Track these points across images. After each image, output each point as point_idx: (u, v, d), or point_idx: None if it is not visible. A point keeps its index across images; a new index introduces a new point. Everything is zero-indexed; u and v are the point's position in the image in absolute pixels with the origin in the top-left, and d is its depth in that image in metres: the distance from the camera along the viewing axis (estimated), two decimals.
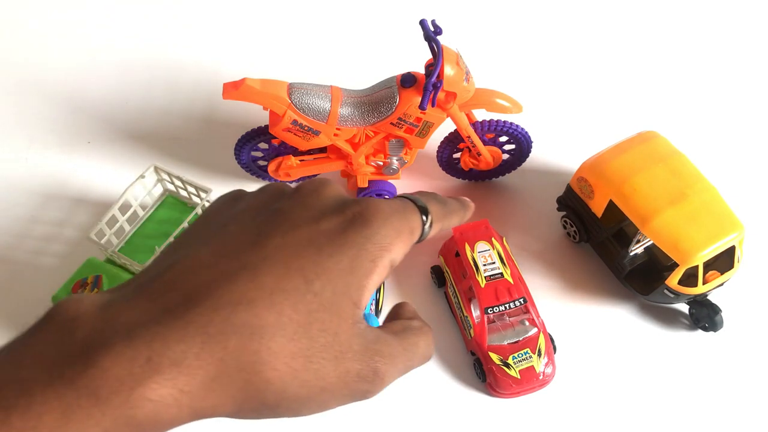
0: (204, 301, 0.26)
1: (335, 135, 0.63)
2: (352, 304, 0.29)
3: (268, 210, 0.30)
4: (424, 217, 0.33)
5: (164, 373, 0.24)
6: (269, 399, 0.27)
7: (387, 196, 0.69)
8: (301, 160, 0.67)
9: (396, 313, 0.34)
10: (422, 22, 0.58)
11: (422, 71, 0.61)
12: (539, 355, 0.58)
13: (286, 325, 0.27)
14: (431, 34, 0.58)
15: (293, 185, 0.33)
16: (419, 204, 0.33)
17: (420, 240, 0.33)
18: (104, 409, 0.23)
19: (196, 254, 0.28)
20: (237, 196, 0.33)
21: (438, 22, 0.59)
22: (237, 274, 0.27)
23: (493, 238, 0.62)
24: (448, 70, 0.58)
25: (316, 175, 0.71)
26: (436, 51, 0.57)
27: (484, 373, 0.59)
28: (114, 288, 0.29)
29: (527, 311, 0.59)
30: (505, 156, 0.70)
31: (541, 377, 0.58)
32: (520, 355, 0.58)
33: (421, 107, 0.59)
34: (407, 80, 0.60)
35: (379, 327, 0.31)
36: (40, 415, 0.23)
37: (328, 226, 0.29)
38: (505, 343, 0.59)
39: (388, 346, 0.30)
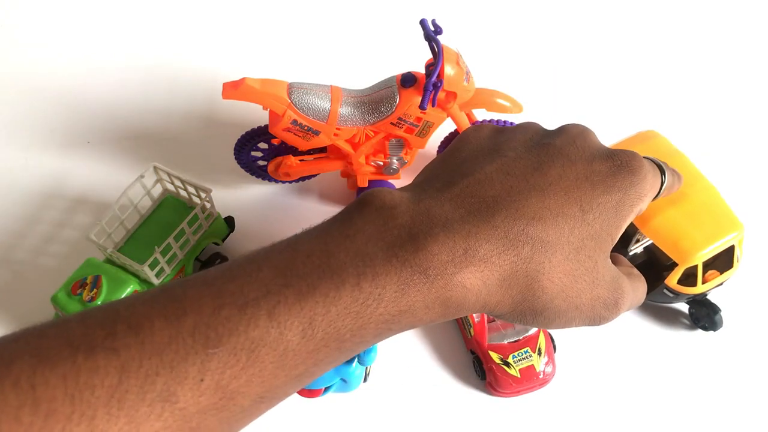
0: (505, 210, 0.30)
1: (335, 135, 0.63)
2: (610, 239, 0.33)
3: (540, 144, 0.34)
4: (663, 178, 0.38)
5: (476, 265, 0.28)
6: (538, 305, 0.30)
7: None
8: (300, 160, 0.67)
9: (616, 260, 0.38)
10: (422, 22, 0.58)
11: (422, 71, 0.61)
12: (539, 354, 0.58)
13: (564, 245, 0.30)
14: (431, 33, 0.58)
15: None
16: (663, 170, 0.38)
17: (654, 198, 0.38)
18: (430, 287, 0.27)
19: (484, 168, 0.32)
20: (494, 128, 0.37)
21: (438, 22, 0.59)
22: (529, 193, 0.31)
23: None
24: (449, 70, 0.58)
25: (315, 175, 0.71)
26: (436, 51, 0.57)
27: (483, 372, 0.59)
28: (408, 187, 0.33)
29: None
30: None
31: (541, 376, 0.58)
32: (520, 354, 0.58)
33: (422, 107, 0.59)
34: (407, 80, 0.60)
35: (617, 269, 0.35)
36: (384, 285, 0.26)
37: (600, 168, 0.33)
38: (505, 341, 0.59)
39: (625, 284, 0.34)
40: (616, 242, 0.33)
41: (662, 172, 0.37)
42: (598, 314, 0.33)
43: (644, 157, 0.37)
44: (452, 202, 0.30)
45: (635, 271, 0.38)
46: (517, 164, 0.32)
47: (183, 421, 0.23)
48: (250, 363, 0.25)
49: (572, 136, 0.35)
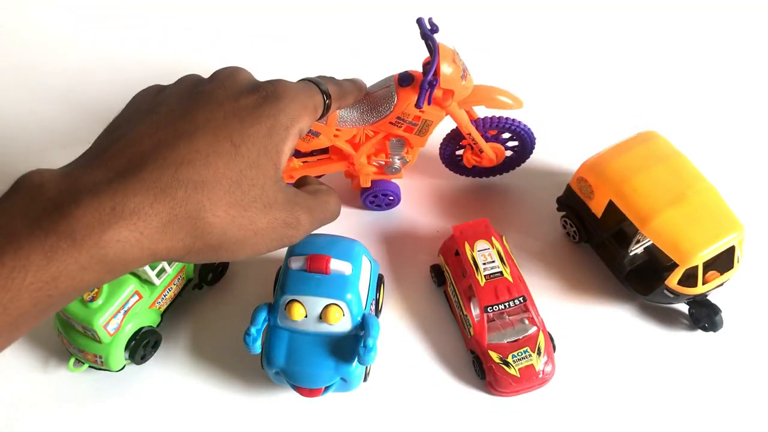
0: (152, 163, 0.31)
1: (335, 136, 0.63)
2: (272, 164, 0.35)
3: (191, 93, 0.36)
4: (326, 96, 0.41)
5: (127, 219, 0.29)
6: (212, 241, 0.32)
7: (392, 197, 0.69)
8: (304, 162, 0.67)
9: (304, 182, 0.41)
10: (419, 21, 0.58)
11: (420, 70, 0.61)
12: (539, 353, 0.58)
13: (222, 180, 0.32)
14: (427, 32, 0.58)
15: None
16: (321, 86, 0.41)
17: (322, 116, 0.41)
18: (81, 248, 0.28)
19: (135, 129, 0.34)
20: (159, 88, 0.39)
21: (435, 21, 0.59)
22: (176, 141, 0.32)
23: (492, 237, 0.62)
24: (445, 68, 0.58)
25: (320, 176, 0.71)
26: (433, 49, 0.57)
27: (483, 371, 0.59)
28: (69, 164, 0.34)
29: (527, 310, 0.59)
30: (508, 153, 0.70)
31: (540, 376, 0.57)
32: (519, 354, 0.58)
33: (418, 105, 0.59)
34: (405, 79, 0.60)
35: (295, 189, 0.38)
36: (28, 256, 0.28)
37: (246, 103, 0.35)
38: (505, 341, 0.59)
39: (306, 201, 0.37)
40: (283, 163, 0.35)
41: (323, 91, 0.40)
42: (283, 234, 0.35)
43: (302, 80, 0.40)
44: (102, 168, 0.31)
45: (323, 187, 0.40)
46: (168, 118, 0.34)
47: None
48: None
49: (221, 80, 0.37)
